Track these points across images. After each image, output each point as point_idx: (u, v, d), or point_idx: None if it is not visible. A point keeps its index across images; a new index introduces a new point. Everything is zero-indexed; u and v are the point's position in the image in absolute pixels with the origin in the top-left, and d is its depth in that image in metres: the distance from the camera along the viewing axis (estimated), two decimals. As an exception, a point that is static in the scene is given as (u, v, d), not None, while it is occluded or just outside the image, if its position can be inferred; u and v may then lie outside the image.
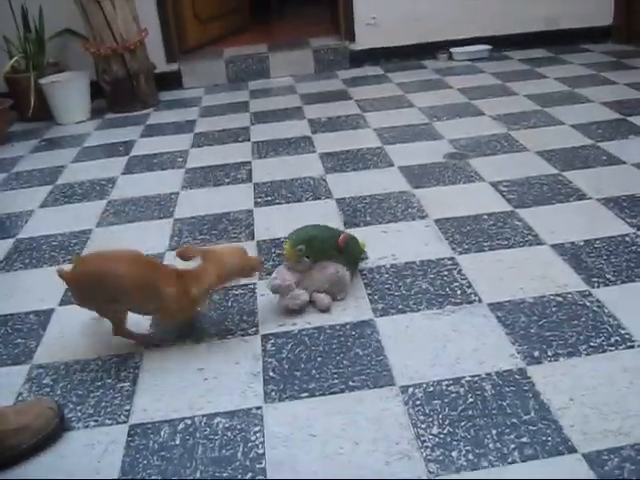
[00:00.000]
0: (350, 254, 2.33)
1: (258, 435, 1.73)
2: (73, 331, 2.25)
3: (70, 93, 4.60)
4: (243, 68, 5.24)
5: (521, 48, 5.36)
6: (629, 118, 3.70)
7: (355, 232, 2.61)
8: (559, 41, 5.36)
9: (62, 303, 2.41)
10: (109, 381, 1.99)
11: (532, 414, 1.71)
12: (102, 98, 4.79)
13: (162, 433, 1.77)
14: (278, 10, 7.48)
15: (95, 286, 2.02)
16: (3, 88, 4.78)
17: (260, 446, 1.69)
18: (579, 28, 5.38)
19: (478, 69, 4.97)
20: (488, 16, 5.27)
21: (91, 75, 4.76)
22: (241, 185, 3.27)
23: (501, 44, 5.33)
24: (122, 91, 4.69)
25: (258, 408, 1.82)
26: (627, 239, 2.49)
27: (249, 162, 3.56)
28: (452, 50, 5.27)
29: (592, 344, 1.94)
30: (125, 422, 1.83)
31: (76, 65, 4.91)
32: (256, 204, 3.04)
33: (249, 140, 3.91)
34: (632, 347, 1.92)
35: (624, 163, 3.14)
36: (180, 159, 3.71)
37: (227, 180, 3.36)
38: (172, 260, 2.60)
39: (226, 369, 1.98)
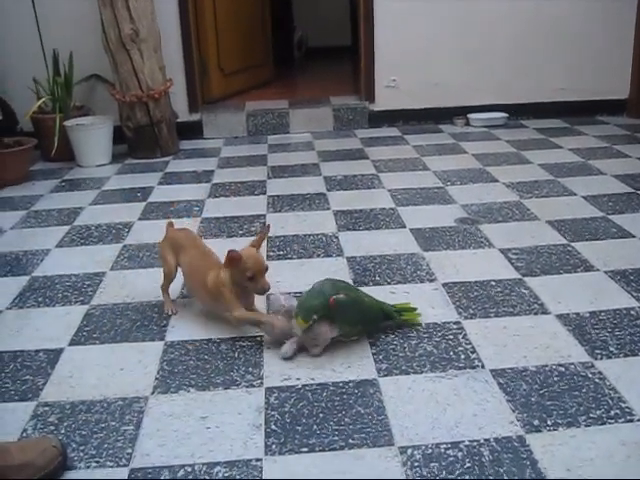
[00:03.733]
0: (343, 316, 2.32)
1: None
2: (81, 371, 2.29)
3: (93, 136, 4.70)
4: (263, 122, 5.34)
5: (537, 117, 5.45)
6: (640, 192, 3.76)
7: (364, 291, 2.67)
8: (574, 112, 5.45)
9: (72, 343, 2.45)
10: (113, 423, 2.02)
11: (529, 482, 1.73)
12: (124, 143, 4.89)
13: (162, 478, 1.79)
14: (301, 67, 7.65)
15: None
16: (29, 127, 4.88)
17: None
18: (595, 100, 5.47)
19: (494, 136, 5.05)
20: (506, 84, 5.38)
21: (115, 120, 4.86)
22: (254, 238, 3.31)
23: (517, 112, 5.43)
24: (144, 138, 4.79)
25: (258, 460, 1.84)
26: (632, 312, 2.51)
27: (263, 215, 3.62)
28: (469, 116, 5.36)
29: (592, 416, 1.96)
30: (126, 465, 1.85)
31: (101, 110, 5.03)
32: (268, 257, 3.08)
33: (265, 194, 3.97)
34: (631, 421, 1.93)
35: (633, 237, 3.18)
36: (196, 208, 3.78)
37: (241, 232, 3.41)
38: (182, 308, 2.66)
39: (229, 419, 2.01)
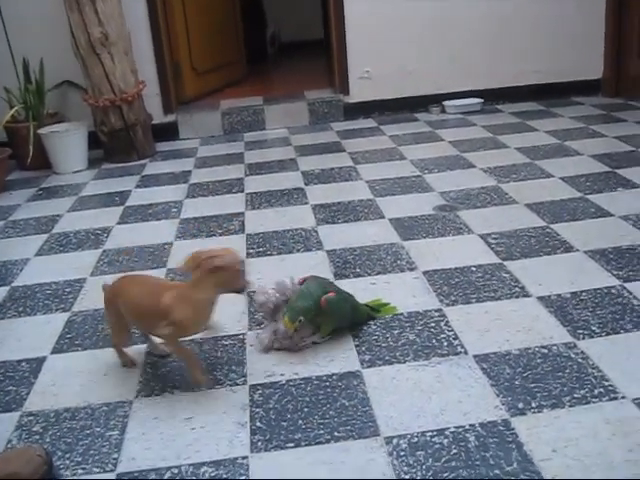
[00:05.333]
0: (333, 315, 2.33)
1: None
2: (64, 379, 2.28)
3: (68, 143, 4.68)
4: (239, 120, 5.32)
5: (512, 101, 5.46)
6: (618, 171, 3.76)
7: (344, 283, 2.69)
8: (549, 94, 5.47)
9: (54, 351, 2.44)
10: (98, 429, 2.01)
11: (515, 465, 1.73)
12: (100, 148, 4.86)
13: (149, 482, 1.79)
14: (275, 63, 7.64)
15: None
16: (3, 137, 4.85)
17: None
18: (569, 81, 5.49)
19: (470, 122, 5.06)
20: (479, 69, 5.38)
21: (89, 125, 4.84)
22: (234, 236, 3.32)
23: (492, 97, 5.43)
24: (119, 142, 4.77)
25: (244, 458, 1.84)
26: (613, 291, 2.52)
27: (242, 213, 3.61)
28: (444, 103, 5.37)
29: (576, 396, 1.97)
30: (113, 470, 1.84)
31: (75, 116, 5.00)
32: (248, 255, 3.08)
33: (243, 191, 3.96)
34: (615, 399, 1.94)
35: (612, 215, 3.19)
36: (175, 209, 3.76)
37: (220, 231, 3.40)
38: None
39: (214, 419, 2.01)
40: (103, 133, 4.79)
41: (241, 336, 2.43)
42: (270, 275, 2.82)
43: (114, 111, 4.70)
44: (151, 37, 5.08)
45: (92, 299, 2.80)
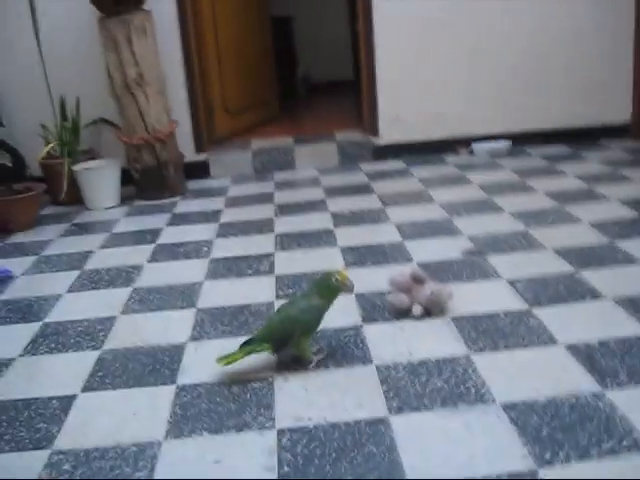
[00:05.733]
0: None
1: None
2: (94, 418, 2.31)
3: (101, 180, 4.76)
4: (269, 159, 5.38)
5: (540, 144, 5.47)
6: (646, 217, 3.77)
7: (372, 327, 2.72)
8: (578, 137, 5.47)
9: (84, 389, 2.47)
10: (127, 469, 2.03)
11: (542, 517, 1.73)
12: (132, 185, 4.94)
13: (177, 525, 1.80)
14: (306, 103, 7.73)
15: None
16: (38, 173, 4.95)
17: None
18: (597, 125, 5.50)
19: (498, 165, 5.08)
20: (508, 112, 5.41)
21: (122, 163, 4.92)
22: (263, 277, 3.35)
23: (521, 140, 5.45)
24: (151, 179, 4.84)
25: (272, 502, 1.85)
26: (642, 340, 2.52)
27: (272, 254, 3.64)
28: (473, 145, 5.40)
29: (604, 447, 1.96)
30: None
31: (108, 153, 5.09)
32: (277, 297, 3.10)
33: (273, 232, 4.00)
34: (644, 451, 1.94)
35: (641, 263, 3.20)
36: (205, 248, 3.81)
37: (249, 271, 3.44)
38: (193, 351, 2.68)
39: (242, 462, 2.02)
40: (135, 170, 4.87)
41: (270, 379, 2.44)
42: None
43: (147, 149, 4.78)
44: (185, 77, 5.18)
45: (123, 337, 2.84)
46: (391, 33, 5.23)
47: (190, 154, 5.25)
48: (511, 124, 5.45)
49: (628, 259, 3.24)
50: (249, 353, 2.49)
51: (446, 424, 2.12)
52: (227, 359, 2.47)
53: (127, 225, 4.40)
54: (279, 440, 2.10)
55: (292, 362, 2.53)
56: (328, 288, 2.54)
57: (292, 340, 2.49)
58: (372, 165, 5.35)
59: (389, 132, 5.41)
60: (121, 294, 3.29)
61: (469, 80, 5.35)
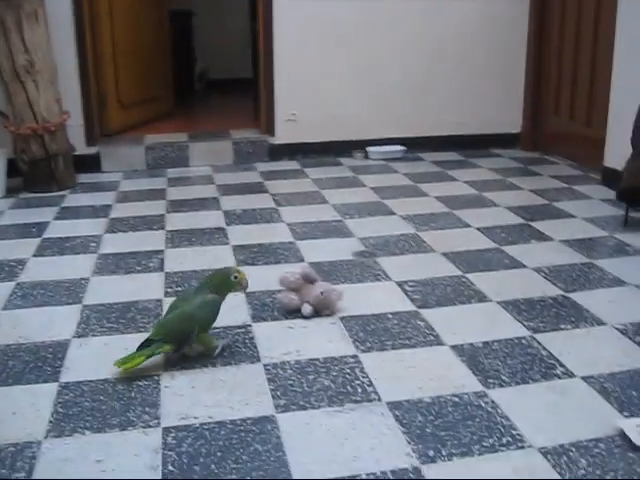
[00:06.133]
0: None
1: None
2: (-31, 418, 2.21)
3: (-15, 170, 4.58)
4: (163, 155, 5.30)
5: (434, 150, 5.59)
6: (532, 223, 3.89)
7: (261, 326, 2.72)
8: (470, 145, 5.63)
9: (-40, 389, 2.37)
10: (3, 471, 1.95)
11: (423, 514, 1.76)
12: (19, 177, 4.76)
13: (54, 526, 1.75)
14: (202, 99, 7.65)
15: None
16: None
17: None
18: (490, 134, 5.68)
19: (392, 169, 5.16)
20: (403, 118, 5.51)
21: (9, 153, 4.75)
22: (152, 274, 3.30)
23: (415, 145, 5.55)
24: (39, 171, 4.68)
25: (154, 502, 1.82)
26: (523, 341, 2.60)
27: (162, 251, 3.59)
28: (368, 149, 5.46)
29: (485, 444, 2.01)
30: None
31: (-6, 143, 4.91)
32: (166, 294, 3.06)
33: (164, 228, 3.94)
34: (522, 447, 2.00)
35: (525, 267, 3.30)
36: (93, 244, 3.71)
37: (138, 268, 3.37)
38: (77, 348, 2.60)
39: (125, 462, 1.97)
40: (23, 162, 4.70)
41: (156, 377, 2.40)
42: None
43: (36, 140, 4.62)
44: (78, 68, 5.04)
45: (3, 333, 2.74)
46: (291, 34, 5.24)
47: (81, 147, 5.10)
48: (406, 130, 5.55)
49: (514, 264, 3.34)
50: (150, 356, 2.44)
51: (332, 422, 2.13)
52: (127, 364, 2.40)
53: (12, 218, 4.24)
54: (164, 439, 2.07)
55: (199, 356, 2.52)
56: (224, 284, 2.55)
57: (192, 337, 2.48)
58: (267, 165, 5.34)
59: (285, 132, 5.41)
60: (3, 289, 3.16)
61: (366, 85, 5.41)
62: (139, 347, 2.46)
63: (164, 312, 2.78)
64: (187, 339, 2.48)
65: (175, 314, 2.54)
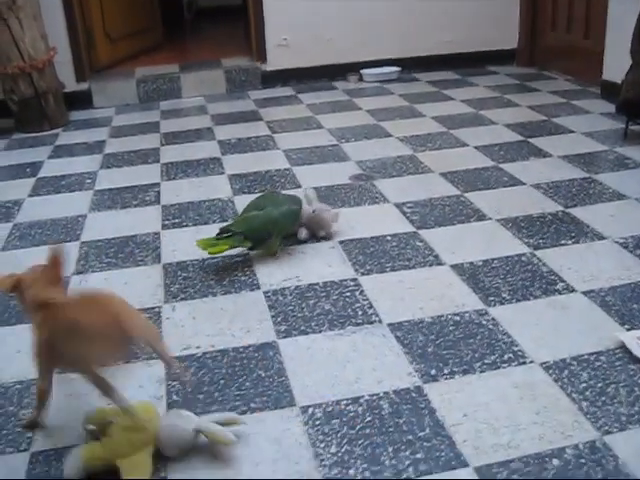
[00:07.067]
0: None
1: (162, 460, 1.74)
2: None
3: (-25, 112, 4.52)
4: (154, 88, 5.22)
5: (429, 70, 5.51)
6: (530, 140, 3.85)
7: (261, 254, 2.70)
8: (466, 63, 5.54)
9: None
10: (11, 408, 1.97)
11: (427, 430, 1.77)
12: (10, 117, 4.70)
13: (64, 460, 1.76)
14: (192, 29, 7.52)
15: None
16: None
17: (162, 469, 1.71)
18: (485, 51, 5.58)
19: (387, 91, 5.09)
20: (397, 38, 5.41)
21: (-2, 94, 4.69)
22: (149, 207, 3.28)
23: (410, 66, 5.47)
24: (30, 110, 4.62)
25: (160, 432, 1.83)
26: (523, 259, 2.59)
27: (158, 184, 3.56)
28: (362, 71, 5.38)
29: (486, 361, 2.02)
30: (27, 449, 1.81)
31: (-18, 83, 4.83)
32: (164, 227, 3.05)
33: (159, 162, 3.91)
34: (524, 363, 2.00)
35: (524, 184, 3.27)
36: (89, 181, 3.68)
37: (135, 202, 3.35)
38: (77, 285, 2.60)
39: (130, 393, 1.97)
40: (13, 102, 4.64)
41: (157, 309, 2.41)
42: (185, 247, 2.82)
43: (24, 79, 4.54)
44: (62, 1, 4.92)
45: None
46: (278, -44, 5.11)
47: (71, 83, 5.03)
48: (400, 50, 5.45)
49: (512, 181, 3.31)
50: (232, 247, 2.59)
51: (334, 345, 2.14)
52: (213, 248, 2.56)
53: (5, 159, 4.19)
54: (167, 369, 2.07)
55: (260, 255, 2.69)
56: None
57: (270, 240, 2.63)
58: (260, 92, 5.28)
59: (277, 58, 5.32)
60: (0, 230, 3.15)
61: (358, 5, 5.29)
62: (218, 234, 2.60)
63: (162, 246, 2.80)
64: (265, 240, 2.63)
65: (261, 215, 2.65)
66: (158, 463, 1.72)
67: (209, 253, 2.59)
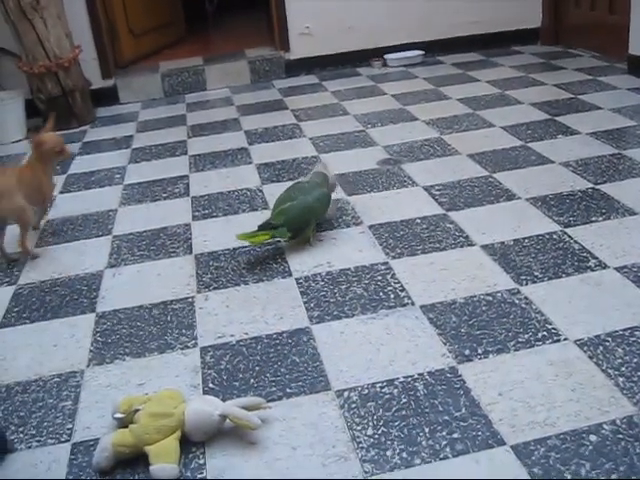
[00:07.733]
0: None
1: (198, 446, 1.76)
2: (14, 353, 2.26)
3: (5, 113, 4.57)
4: (179, 81, 5.25)
5: (453, 52, 5.47)
6: (557, 118, 3.82)
7: (292, 242, 2.71)
8: (490, 44, 5.49)
9: (2, 326, 2.41)
10: (51, 401, 2.00)
11: (463, 410, 1.77)
12: (38, 116, 4.75)
13: (104, 449, 1.79)
14: (214, 21, 7.52)
15: None
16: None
17: (201, 456, 1.73)
18: (509, 31, 5.52)
19: (412, 74, 5.07)
20: (419, 21, 5.38)
21: (26, 94, 4.73)
22: (178, 199, 3.30)
23: (434, 49, 5.44)
24: (58, 109, 4.64)
25: (198, 419, 1.85)
26: (554, 237, 2.58)
27: (186, 176, 3.59)
28: (386, 56, 5.36)
29: (520, 340, 2.02)
30: (68, 440, 1.84)
31: (10, 84, 4.87)
32: (194, 218, 3.07)
33: (186, 154, 3.93)
34: (558, 341, 2.00)
35: (552, 162, 3.25)
36: (118, 175, 3.72)
37: (164, 195, 3.38)
38: (110, 278, 2.63)
39: (167, 383, 2.01)
40: (40, 101, 4.69)
41: (190, 299, 2.43)
42: (216, 237, 2.84)
43: (50, 77, 4.59)
44: (85, -1, 4.97)
45: (38, 270, 2.77)
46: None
47: (97, 80, 5.07)
48: (423, 34, 5.42)
49: (541, 160, 3.29)
50: (273, 237, 2.62)
51: (367, 329, 2.15)
52: (252, 238, 2.60)
53: (36, 157, 4.24)
54: (202, 358, 2.10)
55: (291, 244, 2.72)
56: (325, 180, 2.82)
57: (309, 227, 2.68)
58: (285, 81, 5.28)
59: (300, 47, 5.32)
60: (33, 227, 3.20)
61: (377, -10, 5.27)
62: (260, 228, 2.62)
63: (193, 237, 2.82)
64: (304, 228, 2.66)
65: (296, 204, 2.67)
66: (194, 449, 1.75)
67: (250, 243, 2.65)
